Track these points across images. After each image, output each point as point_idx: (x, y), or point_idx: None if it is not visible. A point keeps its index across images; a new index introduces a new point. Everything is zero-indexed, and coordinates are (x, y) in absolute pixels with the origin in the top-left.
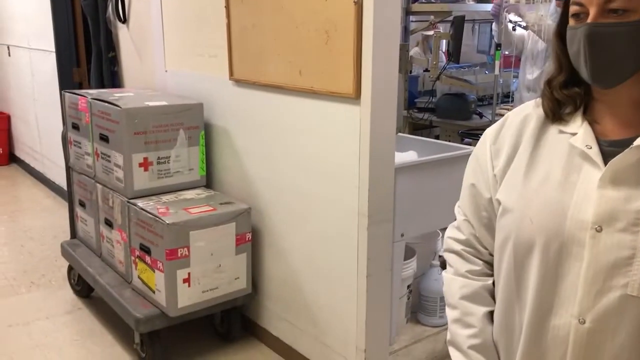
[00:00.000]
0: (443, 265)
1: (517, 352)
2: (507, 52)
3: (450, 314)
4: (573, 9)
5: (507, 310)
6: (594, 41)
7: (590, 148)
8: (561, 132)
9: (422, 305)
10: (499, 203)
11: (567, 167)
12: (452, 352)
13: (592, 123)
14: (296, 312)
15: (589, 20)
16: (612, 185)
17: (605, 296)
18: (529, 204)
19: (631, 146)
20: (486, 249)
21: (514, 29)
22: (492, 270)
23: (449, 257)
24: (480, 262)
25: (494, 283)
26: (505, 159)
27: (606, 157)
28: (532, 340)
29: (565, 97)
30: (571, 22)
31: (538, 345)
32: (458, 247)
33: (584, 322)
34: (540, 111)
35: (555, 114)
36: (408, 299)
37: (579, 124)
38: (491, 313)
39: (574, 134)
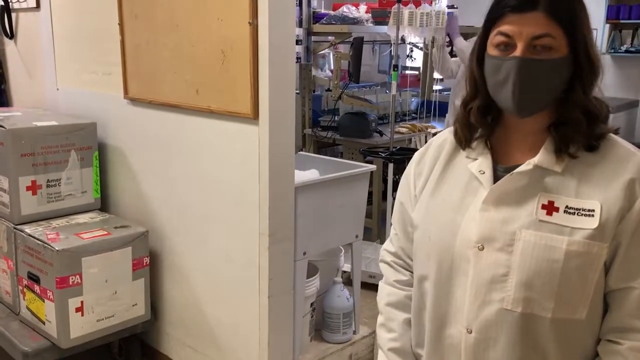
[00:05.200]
0: (348, 282)
1: None
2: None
3: (378, 318)
4: (498, 39)
5: (418, 318)
6: (524, 74)
7: (483, 173)
8: (467, 157)
9: (325, 322)
10: (414, 220)
11: (466, 190)
12: (379, 352)
13: (495, 149)
14: (198, 336)
15: (517, 54)
16: (495, 208)
17: (486, 309)
18: (430, 222)
19: (511, 173)
20: (413, 261)
21: (411, 50)
22: None
23: (382, 267)
24: (408, 273)
25: None
26: (424, 180)
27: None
28: (433, 348)
29: (480, 122)
30: (494, 51)
31: (438, 352)
32: (389, 258)
33: (471, 332)
34: (453, 137)
35: (466, 139)
36: (312, 316)
37: (480, 151)
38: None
39: (475, 160)
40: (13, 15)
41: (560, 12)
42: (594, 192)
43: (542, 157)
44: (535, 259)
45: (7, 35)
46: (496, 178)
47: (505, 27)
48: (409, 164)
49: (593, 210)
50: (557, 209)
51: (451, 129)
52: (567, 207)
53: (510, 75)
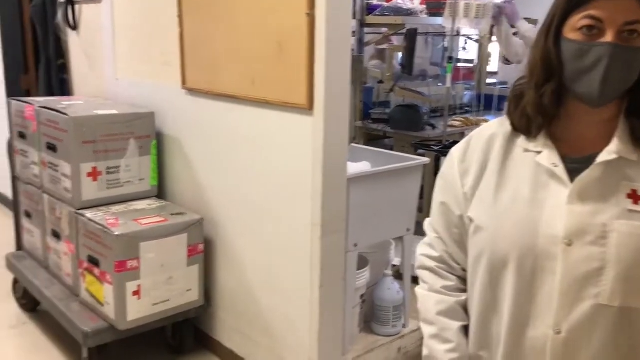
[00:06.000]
0: (397, 276)
1: None
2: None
3: (427, 329)
4: (584, 22)
5: (484, 323)
6: (615, 61)
7: (557, 166)
8: (526, 150)
9: (375, 314)
10: (471, 220)
11: (535, 185)
12: None
13: (554, 140)
14: (250, 323)
15: (609, 40)
16: (580, 201)
17: (579, 306)
18: (501, 222)
19: (595, 162)
20: (459, 264)
21: (465, 42)
22: (466, 285)
23: (423, 274)
24: (454, 277)
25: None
26: (474, 177)
27: (571, 173)
28: (511, 352)
29: (551, 106)
30: (576, 35)
31: (517, 356)
32: (431, 263)
33: (560, 333)
34: (505, 130)
35: (539, 125)
36: (361, 308)
37: (543, 142)
38: (465, 328)
39: (538, 152)
40: (76, 7)
41: None
42: None
43: (619, 146)
44: (632, 249)
45: (70, 27)
46: (567, 170)
47: (595, 11)
48: (447, 163)
49: None
50: None
51: (496, 122)
52: None
53: (602, 61)
